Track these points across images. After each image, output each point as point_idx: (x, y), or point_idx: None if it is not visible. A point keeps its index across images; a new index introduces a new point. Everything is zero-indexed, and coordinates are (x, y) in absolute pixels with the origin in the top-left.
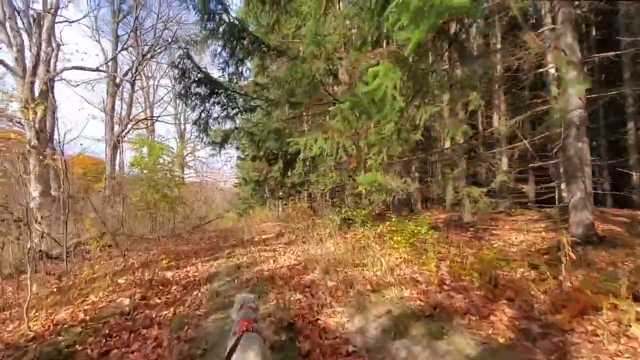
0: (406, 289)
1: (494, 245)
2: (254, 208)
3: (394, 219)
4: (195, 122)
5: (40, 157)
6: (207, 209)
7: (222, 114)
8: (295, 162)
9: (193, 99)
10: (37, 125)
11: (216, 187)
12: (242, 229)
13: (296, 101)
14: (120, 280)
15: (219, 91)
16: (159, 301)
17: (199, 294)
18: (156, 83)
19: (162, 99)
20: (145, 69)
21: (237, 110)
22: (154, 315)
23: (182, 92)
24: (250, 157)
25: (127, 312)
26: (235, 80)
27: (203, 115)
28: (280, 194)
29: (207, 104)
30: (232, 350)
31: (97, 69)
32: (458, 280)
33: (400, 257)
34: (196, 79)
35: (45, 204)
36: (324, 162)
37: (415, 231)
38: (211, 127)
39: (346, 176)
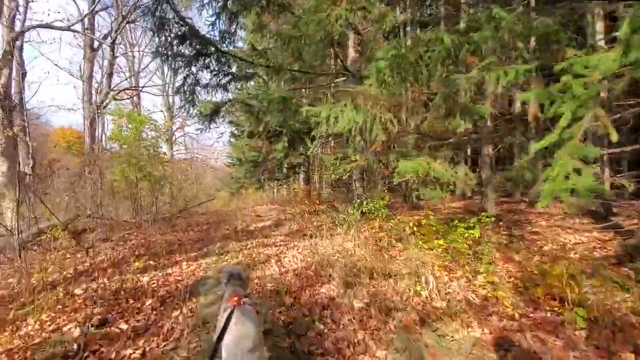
0: (471, 321)
1: (544, 249)
2: (247, 188)
3: (422, 213)
4: (178, 90)
5: (6, 128)
6: (197, 189)
7: (212, 81)
8: (305, 140)
9: (175, 59)
10: (1, 92)
11: (207, 164)
12: (235, 213)
13: (303, 66)
14: (78, 291)
15: (208, 51)
16: (125, 327)
17: (180, 316)
18: (141, 50)
19: (146, 66)
20: (129, 34)
21: (230, 77)
22: (112, 358)
23: (162, 49)
24: (247, 133)
25: (74, 351)
26: (227, 41)
27: (189, 81)
28: (278, 175)
29: (193, 67)
30: (225, 327)
31: (68, 28)
32: (534, 306)
33: (439, 264)
34: (179, 32)
35: (12, 182)
36: (352, 140)
37: (466, 234)
38: (198, 96)
39: (374, 160)
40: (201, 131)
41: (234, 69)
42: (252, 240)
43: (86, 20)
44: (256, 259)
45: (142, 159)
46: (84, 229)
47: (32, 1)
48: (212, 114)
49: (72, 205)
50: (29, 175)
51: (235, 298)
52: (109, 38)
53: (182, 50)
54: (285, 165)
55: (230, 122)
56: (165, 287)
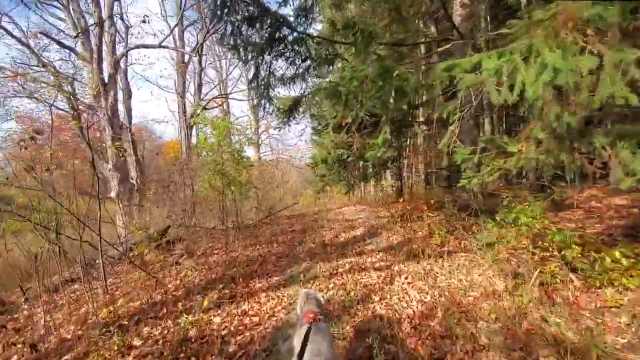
0: None
1: None
2: (332, 186)
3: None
4: (250, 83)
5: (115, 144)
6: (282, 191)
7: (288, 71)
8: (407, 129)
9: (246, 47)
10: (109, 112)
11: (292, 164)
12: (321, 215)
13: (398, 31)
14: (137, 342)
15: (282, 35)
16: None
17: None
18: (228, 59)
19: (230, 73)
20: (216, 47)
21: (308, 63)
22: None
23: (229, 37)
24: (332, 126)
25: None
26: (303, 19)
27: (262, 72)
28: (369, 173)
29: (266, 56)
30: (305, 343)
31: (160, 45)
32: None
33: None
34: (247, 13)
35: (124, 192)
36: (536, 114)
37: None
38: (273, 89)
39: (566, 148)
40: (279, 129)
41: (312, 52)
42: (344, 260)
43: (177, 37)
44: (352, 294)
45: (227, 165)
46: (175, 238)
47: (131, 27)
48: (291, 109)
49: (165, 216)
50: (136, 188)
51: (311, 315)
52: (196, 51)
53: (252, 36)
54: (375, 162)
55: (312, 116)
56: (239, 336)
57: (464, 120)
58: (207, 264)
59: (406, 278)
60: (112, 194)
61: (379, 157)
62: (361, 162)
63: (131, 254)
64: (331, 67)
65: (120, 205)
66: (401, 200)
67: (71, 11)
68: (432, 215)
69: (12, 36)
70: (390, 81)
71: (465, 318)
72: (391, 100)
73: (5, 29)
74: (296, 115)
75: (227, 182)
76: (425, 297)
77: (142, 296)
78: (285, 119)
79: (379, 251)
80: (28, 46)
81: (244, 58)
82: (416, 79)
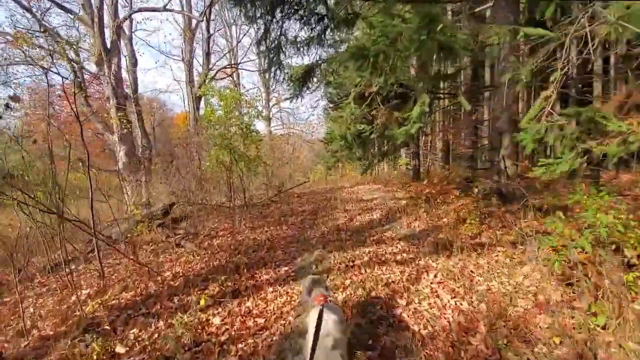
0: None
1: None
2: (344, 163)
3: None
4: (258, 45)
5: (120, 115)
6: (293, 167)
7: (303, 33)
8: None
9: (253, 3)
10: (112, 80)
11: (303, 139)
12: (334, 194)
13: None
14: (120, 349)
15: None
16: None
17: None
18: (239, 29)
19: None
20: (226, 13)
21: (325, 22)
22: None
23: None
24: (354, 96)
25: None
26: None
27: (272, 34)
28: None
29: (277, 13)
30: (319, 325)
31: (164, 8)
32: None
33: None
34: None
35: (131, 165)
36: None
37: None
38: (284, 52)
39: None
40: (291, 100)
41: (329, 11)
42: (361, 249)
43: (184, 2)
44: (372, 293)
45: (234, 139)
46: (180, 216)
47: None
48: (304, 77)
49: (171, 191)
50: (142, 161)
51: (322, 297)
52: (204, 15)
53: None
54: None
55: (329, 84)
56: (240, 343)
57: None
58: (210, 247)
59: (435, 276)
60: (119, 167)
61: (412, 134)
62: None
63: (129, 235)
64: (351, 30)
65: (126, 179)
66: (419, 180)
67: None
68: (458, 198)
69: None
70: (433, 35)
71: (517, 337)
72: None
73: None
74: (310, 85)
75: (234, 158)
76: (461, 303)
77: (137, 284)
78: (298, 89)
79: (399, 239)
80: (29, 10)
81: (251, 15)
82: (467, 34)
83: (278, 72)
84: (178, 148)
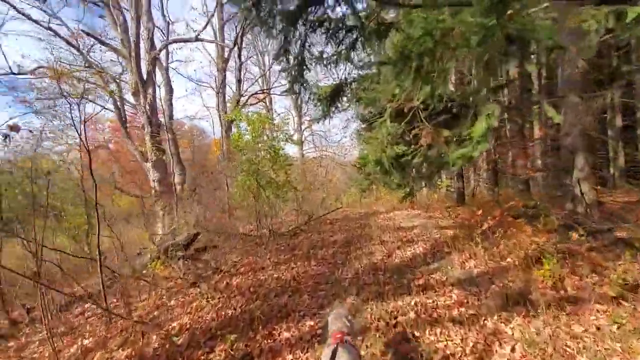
0: None
1: None
2: (379, 185)
3: None
4: (277, 57)
5: (154, 143)
6: (326, 190)
7: (330, 47)
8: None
9: (273, 19)
10: (147, 109)
11: (336, 162)
12: (369, 219)
13: None
14: None
15: None
16: None
17: None
18: (270, 57)
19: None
20: (259, 44)
21: (355, 35)
22: None
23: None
24: (390, 112)
25: None
26: None
27: (294, 47)
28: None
29: (299, 26)
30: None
31: (196, 39)
32: None
33: None
34: None
35: (164, 192)
36: None
37: None
38: (309, 68)
39: None
40: (319, 121)
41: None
42: (404, 299)
43: (217, 31)
44: None
45: (262, 164)
46: (204, 247)
47: (172, 23)
48: (333, 96)
49: (196, 220)
50: (175, 188)
51: (339, 335)
52: (235, 43)
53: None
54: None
55: (359, 101)
56: None
57: None
58: (227, 289)
59: (513, 350)
60: (152, 193)
61: (473, 156)
62: (427, 163)
63: (145, 272)
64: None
65: (159, 206)
66: (464, 204)
67: (110, 7)
68: (520, 230)
69: (60, 37)
70: (503, 23)
71: None
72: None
73: (53, 30)
74: (339, 105)
75: (262, 184)
76: None
77: (140, 337)
78: (326, 109)
79: (452, 285)
80: (75, 47)
81: (271, 28)
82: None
83: (302, 90)
84: (204, 175)
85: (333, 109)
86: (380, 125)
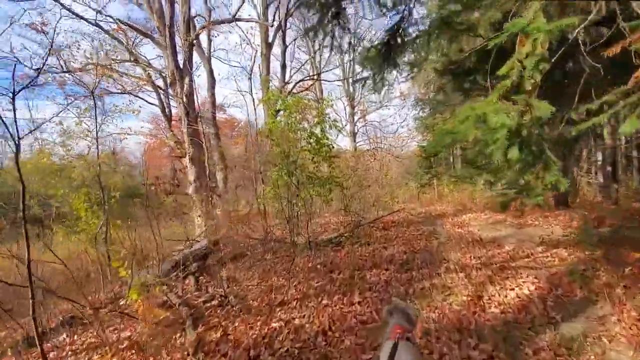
0: None
1: None
2: (440, 179)
3: None
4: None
5: (192, 137)
6: (380, 186)
7: None
8: None
9: None
10: (184, 100)
11: (391, 154)
12: (434, 227)
13: None
14: None
15: None
16: None
17: None
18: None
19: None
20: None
21: None
22: None
23: None
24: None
25: None
26: None
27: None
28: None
29: None
30: (392, 355)
31: (234, 18)
32: None
33: None
34: None
35: (201, 188)
36: None
37: None
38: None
39: None
40: (364, 84)
41: None
42: None
43: (261, 14)
44: None
45: (301, 156)
46: (223, 258)
47: (214, 9)
48: (387, 49)
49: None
50: (215, 186)
51: (399, 330)
52: (279, 24)
53: None
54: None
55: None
56: None
57: None
58: (219, 345)
59: None
60: (190, 191)
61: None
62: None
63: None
64: None
65: (198, 205)
66: (567, 207)
67: None
68: None
69: (106, 32)
70: None
71: None
72: None
73: (100, 26)
74: (397, 60)
75: (300, 180)
76: None
77: None
78: (375, 68)
79: None
80: (121, 42)
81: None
82: None
83: (336, 31)
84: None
85: (387, 65)
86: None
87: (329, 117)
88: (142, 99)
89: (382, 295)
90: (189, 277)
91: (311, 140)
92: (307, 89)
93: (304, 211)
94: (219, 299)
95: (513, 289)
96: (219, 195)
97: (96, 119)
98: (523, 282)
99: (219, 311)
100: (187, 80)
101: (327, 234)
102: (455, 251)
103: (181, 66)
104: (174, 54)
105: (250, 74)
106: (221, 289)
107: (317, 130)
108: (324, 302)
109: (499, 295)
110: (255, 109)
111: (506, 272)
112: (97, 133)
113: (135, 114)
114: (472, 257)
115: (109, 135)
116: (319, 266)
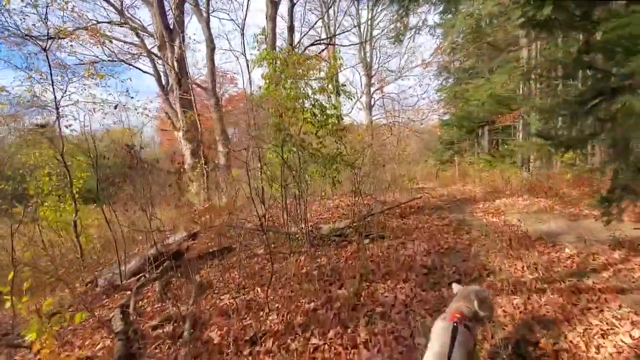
0: None
1: None
2: (464, 155)
3: None
4: None
5: (184, 108)
6: (396, 164)
7: None
8: None
9: None
10: (175, 66)
11: (410, 129)
12: (464, 216)
13: None
14: None
15: None
16: None
17: None
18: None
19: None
20: None
21: None
22: None
23: None
24: None
25: None
26: None
27: None
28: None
29: None
30: (453, 340)
31: None
32: None
33: None
34: None
35: (197, 165)
36: None
37: None
38: None
39: None
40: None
41: None
42: None
43: None
44: None
45: (297, 125)
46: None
47: None
48: None
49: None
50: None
51: (458, 314)
52: None
53: None
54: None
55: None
56: None
57: None
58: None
59: None
60: (186, 167)
61: None
62: None
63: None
64: None
65: (196, 182)
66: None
67: None
68: None
69: None
70: None
71: None
72: None
73: None
74: None
75: (299, 159)
76: None
77: None
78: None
79: None
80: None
81: None
82: None
83: None
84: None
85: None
86: None
87: (337, 82)
88: (137, 67)
89: (399, 329)
90: (155, 282)
91: (315, 110)
92: (318, 55)
93: (304, 196)
94: (174, 325)
95: (606, 334)
96: (217, 172)
97: (52, 83)
98: (616, 319)
99: (168, 346)
100: (177, 42)
101: (334, 221)
102: (497, 254)
103: (171, 26)
104: (162, 12)
105: (243, 30)
106: (185, 306)
107: (323, 98)
108: (314, 340)
109: (587, 347)
110: (250, 73)
111: (583, 296)
112: (56, 101)
113: (99, 79)
114: (524, 267)
115: (73, 104)
116: (315, 272)
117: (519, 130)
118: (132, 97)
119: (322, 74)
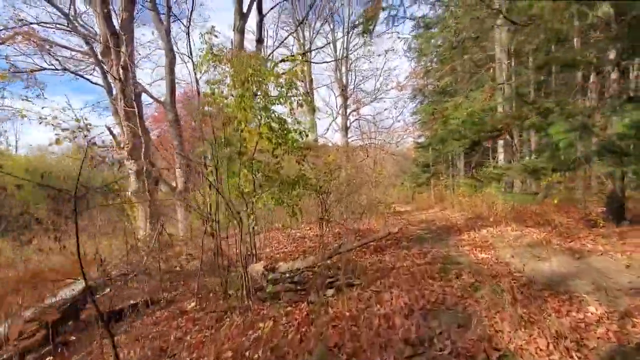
0: None
1: None
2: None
3: None
4: None
5: (129, 122)
6: (372, 187)
7: None
8: None
9: None
10: (120, 74)
11: (385, 151)
12: (450, 254)
13: None
14: None
15: None
16: None
17: None
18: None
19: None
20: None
21: None
22: None
23: None
24: None
25: None
26: None
27: None
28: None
29: None
30: None
31: None
32: None
33: None
34: None
35: (144, 189)
36: None
37: None
38: None
39: None
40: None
41: None
42: None
43: None
44: None
45: (257, 145)
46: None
47: None
48: None
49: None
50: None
51: None
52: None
53: None
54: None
55: None
56: None
57: None
58: None
59: None
60: (130, 190)
61: None
62: None
63: None
64: None
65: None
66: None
67: None
68: None
69: None
70: None
71: None
72: None
73: None
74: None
75: (262, 180)
76: None
77: None
78: None
79: None
80: (62, 10)
81: None
82: None
83: None
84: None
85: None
86: None
87: (298, 90)
88: (85, 77)
89: None
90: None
91: (273, 124)
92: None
93: (256, 228)
94: None
95: None
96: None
97: None
98: None
99: None
100: (123, 48)
101: (296, 257)
102: (501, 314)
103: (118, 31)
104: (107, 14)
105: (188, 29)
106: None
107: (283, 110)
108: None
109: None
110: (197, 81)
111: None
112: None
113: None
114: (548, 343)
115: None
116: (248, 351)
117: (498, 152)
118: (68, 109)
119: (282, 82)
